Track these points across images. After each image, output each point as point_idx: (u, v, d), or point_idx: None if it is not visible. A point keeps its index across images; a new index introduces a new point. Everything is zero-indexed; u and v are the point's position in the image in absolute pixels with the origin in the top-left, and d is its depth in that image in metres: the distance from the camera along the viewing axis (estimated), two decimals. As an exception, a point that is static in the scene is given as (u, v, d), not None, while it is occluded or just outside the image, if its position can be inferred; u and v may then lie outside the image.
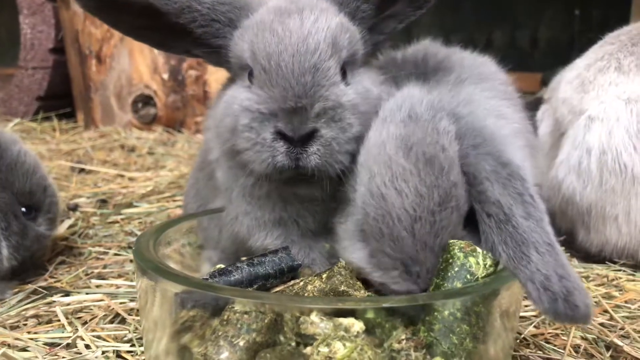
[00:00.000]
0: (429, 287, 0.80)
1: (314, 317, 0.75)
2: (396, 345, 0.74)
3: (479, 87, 1.06)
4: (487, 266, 0.79)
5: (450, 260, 0.79)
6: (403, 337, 0.75)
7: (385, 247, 0.81)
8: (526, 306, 1.20)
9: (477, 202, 0.83)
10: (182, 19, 0.96)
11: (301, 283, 0.89)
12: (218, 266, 0.94)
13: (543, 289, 0.74)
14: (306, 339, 0.75)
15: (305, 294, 0.86)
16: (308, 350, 0.72)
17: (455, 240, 0.80)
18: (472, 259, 0.79)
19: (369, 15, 0.99)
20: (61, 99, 3.83)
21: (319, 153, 0.87)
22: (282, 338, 0.77)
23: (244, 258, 0.95)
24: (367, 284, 0.91)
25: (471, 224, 0.85)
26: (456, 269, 0.78)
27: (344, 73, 0.93)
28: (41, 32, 3.73)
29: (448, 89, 1.01)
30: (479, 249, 0.80)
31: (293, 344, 0.76)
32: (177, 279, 0.77)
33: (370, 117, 0.92)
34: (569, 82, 1.64)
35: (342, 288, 0.86)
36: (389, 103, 0.92)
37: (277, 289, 0.92)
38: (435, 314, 0.75)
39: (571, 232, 1.58)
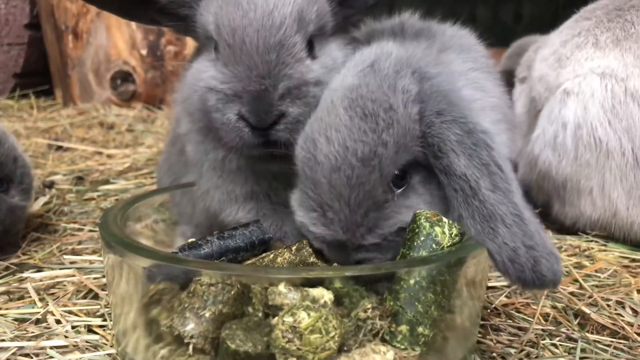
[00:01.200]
0: (350, 238, 0.81)
1: (282, 287, 0.75)
2: (362, 315, 0.75)
3: (461, 57, 1.04)
4: (452, 235, 0.79)
5: (417, 230, 0.79)
6: (369, 306, 0.75)
7: (307, 189, 0.83)
8: (498, 277, 1.21)
9: (443, 175, 0.82)
10: None
11: (271, 255, 0.89)
12: (189, 240, 0.94)
13: (510, 262, 0.75)
14: (274, 310, 0.75)
15: (275, 266, 0.86)
16: (274, 320, 0.73)
17: (422, 210, 0.80)
18: (437, 229, 0.79)
19: None
20: (39, 76, 3.76)
21: (287, 130, 0.87)
22: (250, 309, 0.77)
23: (216, 232, 0.95)
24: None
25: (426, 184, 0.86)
26: (422, 238, 0.79)
27: (311, 47, 0.91)
28: (15, 7, 3.64)
29: (428, 52, 0.99)
30: (445, 219, 0.80)
31: (260, 314, 0.76)
32: (143, 253, 0.77)
33: None
34: (543, 59, 1.64)
35: (312, 260, 0.86)
36: (359, 53, 0.92)
37: (248, 262, 0.92)
38: (402, 282, 0.75)
39: (547, 205, 1.59)
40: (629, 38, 1.44)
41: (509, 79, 1.96)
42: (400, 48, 0.92)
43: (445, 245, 0.79)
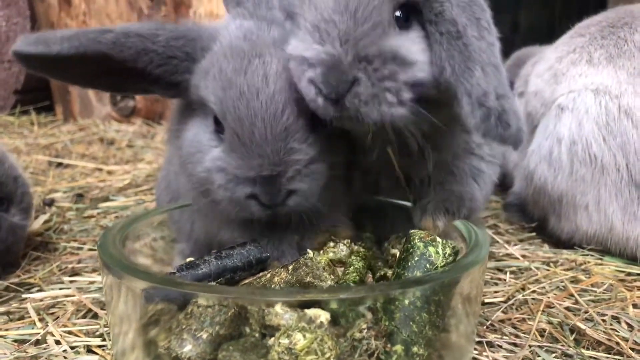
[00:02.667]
0: (347, 51, 0.81)
1: (278, 308, 0.76)
2: (357, 335, 0.75)
3: None
4: (446, 255, 0.81)
5: (411, 250, 0.80)
6: (364, 326, 0.76)
7: (304, 13, 0.87)
8: (495, 292, 1.22)
9: (433, 24, 0.83)
10: (139, 62, 0.93)
11: (268, 275, 0.90)
12: (187, 260, 0.95)
13: (478, 104, 0.76)
14: (271, 330, 0.76)
15: (272, 286, 0.87)
16: (270, 341, 0.74)
17: (415, 230, 0.82)
18: (431, 249, 0.80)
19: None
20: (39, 92, 3.78)
21: (295, 205, 0.92)
22: (247, 330, 0.78)
23: (214, 251, 0.96)
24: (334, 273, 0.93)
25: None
26: (416, 258, 0.80)
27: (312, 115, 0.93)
28: (16, 24, 3.68)
29: None
30: (438, 239, 0.81)
31: (257, 335, 0.77)
32: (140, 275, 0.78)
33: None
34: (539, 75, 1.66)
35: (308, 279, 0.87)
36: None
37: (245, 281, 0.93)
38: (397, 302, 0.76)
39: (543, 219, 1.60)
40: (622, 55, 1.46)
41: None
42: None
43: (439, 265, 0.80)
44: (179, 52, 0.95)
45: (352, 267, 0.93)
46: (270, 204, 0.89)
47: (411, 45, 0.85)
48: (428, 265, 0.79)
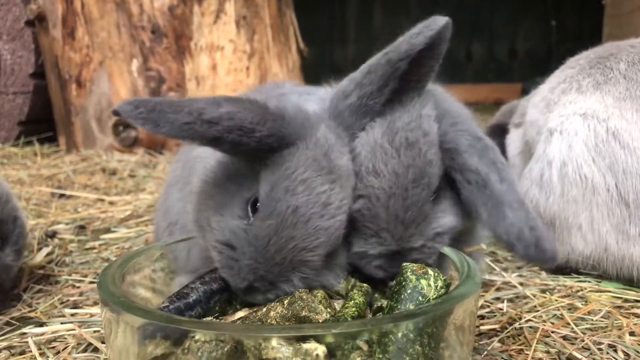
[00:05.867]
0: (403, 253, 0.96)
1: (274, 342, 0.77)
2: (352, 368, 0.76)
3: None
4: (438, 288, 0.82)
5: (403, 283, 0.82)
6: (359, 359, 0.77)
7: (365, 221, 0.96)
8: (492, 321, 1.23)
9: (458, 173, 1.00)
10: (232, 151, 0.94)
11: (264, 309, 0.92)
12: (175, 291, 0.97)
13: (517, 240, 0.92)
14: (268, 364, 0.77)
15: (268, 320, 0.89)
16: (266, 376, 0.75)
17: (407, 264, 0.83)
18: (423, 281, 0.82)
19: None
20: (43, 124, 3.84)
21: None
22: (244, 363, 0.79)
23: (196, 276, 0.99)
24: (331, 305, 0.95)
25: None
26: (409, 291, 0.81)
27: None
28: (21, 57, 3.75)
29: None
30: (430, 271, 0.83)
31: (254, 369, 0.78)
32: (138, 312, 0.80)
33: None
34: (534, 105, 1.72)
35: (303, 314, 0.88)
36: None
37: (241, 314, 0.95)
38: (390, 335, 0.78)
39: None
40: (608, 82, 1.50)
41: (500, 133, 2.07)
42: None
43: (431, 298, 0.81)
44: (265, 147, 0.93)
45: (352, 302, 0.94)
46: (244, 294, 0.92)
47: None
48: (420, 298, 0.81)
